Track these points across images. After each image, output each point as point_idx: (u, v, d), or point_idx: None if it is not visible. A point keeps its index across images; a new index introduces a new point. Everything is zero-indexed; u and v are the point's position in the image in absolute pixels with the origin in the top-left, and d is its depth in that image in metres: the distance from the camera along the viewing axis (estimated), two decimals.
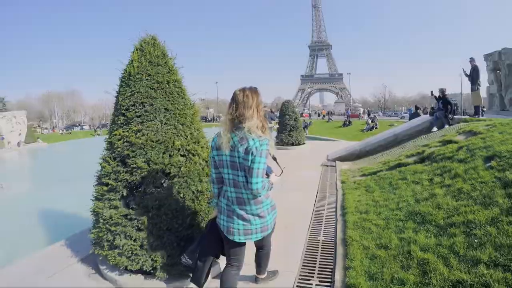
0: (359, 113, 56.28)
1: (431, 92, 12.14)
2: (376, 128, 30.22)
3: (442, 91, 11.26)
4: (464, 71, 12.97)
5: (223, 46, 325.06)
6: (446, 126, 10.33)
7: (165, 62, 4.18)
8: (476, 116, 11.71)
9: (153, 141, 3.68)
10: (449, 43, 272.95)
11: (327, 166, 9.92)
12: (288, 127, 15.45)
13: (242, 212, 2.70)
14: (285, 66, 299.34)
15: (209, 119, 72.27)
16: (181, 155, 3.82)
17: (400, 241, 4.09)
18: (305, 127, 30.97)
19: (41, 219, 8.36)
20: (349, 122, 37.91)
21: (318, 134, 30.49)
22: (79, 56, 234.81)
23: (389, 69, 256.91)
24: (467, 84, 11.91)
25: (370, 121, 33.66)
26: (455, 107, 11.18)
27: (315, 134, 30.12)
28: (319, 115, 62.70)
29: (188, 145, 3.89)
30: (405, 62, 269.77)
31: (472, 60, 12.61)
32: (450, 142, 7.87)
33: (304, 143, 15.69)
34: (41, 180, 16.25)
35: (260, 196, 2.65)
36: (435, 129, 10.41)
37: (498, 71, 17.61)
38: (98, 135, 59.64)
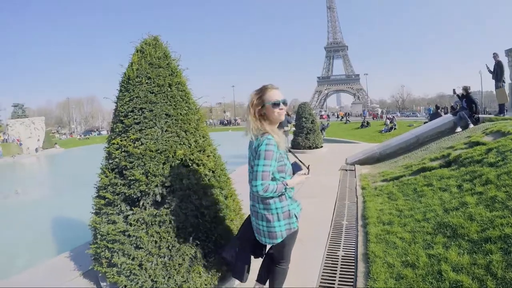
0: (378, 113, 55.33)
1: (454, 90, 11.54)
2: (394, 129, 29.40)
3: (466, 89, 10.67)
4: (488, 67, 12.29)
5: (239, 49, 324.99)
6: (471, 126, 9.75)
7: (167, 64, 3.87)
8: (501, 115, 11.06)
9: (152, 151, 3.35)
10: (469, 41, 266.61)
11: (346, 170, 9.47)
12: (305, 130, 15.03)
13: (254, 209, 2.66)
14: (302, 68, 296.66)
15: (225, 122, 72.44)
16: (184, 166, 3.47)
17: (429, 258, 3.65)
18: (323, 129, 30.38)
19: (52, 226, 8.24)
20: (367, 123, 37.13)
21: (335, 136, 29.77)
22: (99, 61, 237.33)
23: (408, 69, 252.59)
24: (487, 82, 11.27)
25: (388, 122, 32.85)
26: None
27: (333, 136, 29.43)
28: (337, 116, 61.77)
29: (192, 154, 3.54)
30: (424, 62, 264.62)
31: (495, 55, 11.97)
32: (477, 143, 7.36)
33: (321, 146, 15.24)
34: (56, 186, 16.23)
35: (264, 197, 2.45)
36: (459, 129, 9.84)
37: None
38: None
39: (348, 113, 63.42)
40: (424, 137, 10.26)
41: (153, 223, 3.23)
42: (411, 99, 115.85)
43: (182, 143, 3.53)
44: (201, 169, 3.55)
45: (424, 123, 29.01)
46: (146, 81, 3.64)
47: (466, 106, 10.27)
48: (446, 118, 11.14)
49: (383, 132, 29.37)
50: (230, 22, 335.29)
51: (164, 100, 3.63)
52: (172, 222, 3.23)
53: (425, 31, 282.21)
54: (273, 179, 2.44)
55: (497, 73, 11.68)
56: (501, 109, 11.56)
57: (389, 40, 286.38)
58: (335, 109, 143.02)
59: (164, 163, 3.37)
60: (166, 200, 3.30)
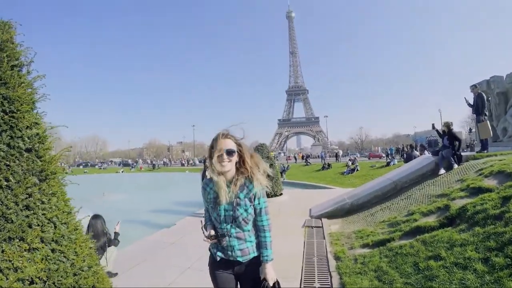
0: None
1: (433, 125, 10.12)
2: (357, 170, 28.09)
3: (448, 125, 9.27)
4: (467, 101, 11.08)
5: (202, 89, 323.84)
6: (455, 167, 8.27)
7: None
8: (485, 151, 9.80)
9: None
10: (425, 81, 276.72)
11: (311, 227, 7.44)
12: None
13: None
14: (263, 110, 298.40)
15: (183, 162, 70.18)
16: None
17: None
18: (283, 171, 29.11)
19: None
20: (328, 165, 35.83)
21: (296, 179, 28.23)
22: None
23: (365, 110, 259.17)
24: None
25: (350, 163, 31.62)
26: (460, 144, 9.16)
27: (294, 179, 27.88)
28: (302, 157, 59.62)
29: None
30: (381, 103, 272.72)
31: (474, 87, 10.86)
32: (480, 190, 5.70)
33: (281, 194, 13.26)
34: None
35: None
36: (442, 171, 8.28)
37: (487, 101, 16.35)
38: (67, 173, 55.84)
39: (309, 155, 61.87)
40: (403, 182, 8.54)
41: None
42: (369, 140, 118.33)
43: None
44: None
45: (387, 163, 28.36)
46: None
47: (448, 144, 8.83)
48: (426, 158, 9.60)
49: (346, 174, 27.96)
50: (193, 61, 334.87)
51: None
52: None
53: (381, 75, 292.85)
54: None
55: (478, 106, 10.42)
56: (484, 145, 10.23)
57: (348, 82, 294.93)
58: (295, 150, 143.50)
59: None
60: None
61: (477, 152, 9.98)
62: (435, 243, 4.45)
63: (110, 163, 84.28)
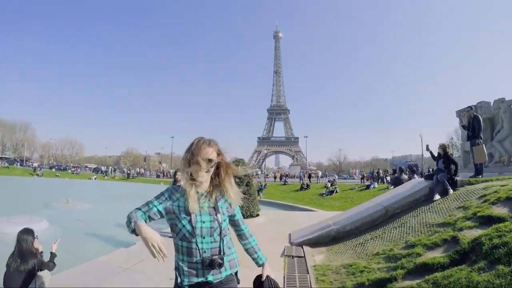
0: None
1: (427, 146, 9.39)
2: (336, 192, 27.35)
3: (444, 147, 8.67)
4: (462, 123, 10.50)
5: (180, 102, 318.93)
6: (451, 192, 7.58)
7: None
8: (480, 176, 9.12)
9: None
10: (405, 107, 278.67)
11: (292, 257, 6.44)
12: None
13: None
14: (243, 127, 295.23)
15: (158, 174, 68.86)
16: None
17: None
18: (260, 190, 28.35)
19: None
20: (307, 185, 35.01)
21: (273, 198, 27.52)
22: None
23: (344, 132, 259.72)
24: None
25: (329, 184, 30.85)
26: (438, 169, 8.49)
27: (271, 198, 27.10)
28: (281, 177, 58.52)
29: None
30: (360, 126, 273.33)
31: (470, 109, 10.25)
32: (491, 219, 4.90)
33: (257, 215, 12.18)
34: None
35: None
36: (437, 196, 7.55)
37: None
38: (37, 175, 54.17)
39: (287, 174, 61.04)
40: (395, 208, 7.73)
41: None
42: (347, 162, 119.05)
43: None
44: None
45: (367, 186, 27.70)
46: None
47: (444, 168, 8.20)
48: (419, 183, 8.83)
49: (324, 195, 27.19)
50: (173, 75, 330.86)
51: None
52: None
53: (362, 100, 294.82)
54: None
55: (474, 128, 9.79)
56: (479, 170, 9.48)
57: (329, 104, 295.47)
58: (273, 169, 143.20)
59: None
60: None
61: (470, 177, 9.28)
62: (451, 286, 3.56)
63: (85, 168, 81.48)
